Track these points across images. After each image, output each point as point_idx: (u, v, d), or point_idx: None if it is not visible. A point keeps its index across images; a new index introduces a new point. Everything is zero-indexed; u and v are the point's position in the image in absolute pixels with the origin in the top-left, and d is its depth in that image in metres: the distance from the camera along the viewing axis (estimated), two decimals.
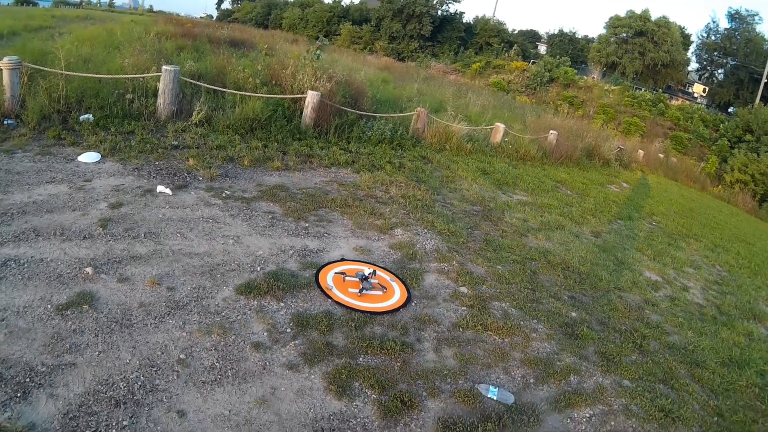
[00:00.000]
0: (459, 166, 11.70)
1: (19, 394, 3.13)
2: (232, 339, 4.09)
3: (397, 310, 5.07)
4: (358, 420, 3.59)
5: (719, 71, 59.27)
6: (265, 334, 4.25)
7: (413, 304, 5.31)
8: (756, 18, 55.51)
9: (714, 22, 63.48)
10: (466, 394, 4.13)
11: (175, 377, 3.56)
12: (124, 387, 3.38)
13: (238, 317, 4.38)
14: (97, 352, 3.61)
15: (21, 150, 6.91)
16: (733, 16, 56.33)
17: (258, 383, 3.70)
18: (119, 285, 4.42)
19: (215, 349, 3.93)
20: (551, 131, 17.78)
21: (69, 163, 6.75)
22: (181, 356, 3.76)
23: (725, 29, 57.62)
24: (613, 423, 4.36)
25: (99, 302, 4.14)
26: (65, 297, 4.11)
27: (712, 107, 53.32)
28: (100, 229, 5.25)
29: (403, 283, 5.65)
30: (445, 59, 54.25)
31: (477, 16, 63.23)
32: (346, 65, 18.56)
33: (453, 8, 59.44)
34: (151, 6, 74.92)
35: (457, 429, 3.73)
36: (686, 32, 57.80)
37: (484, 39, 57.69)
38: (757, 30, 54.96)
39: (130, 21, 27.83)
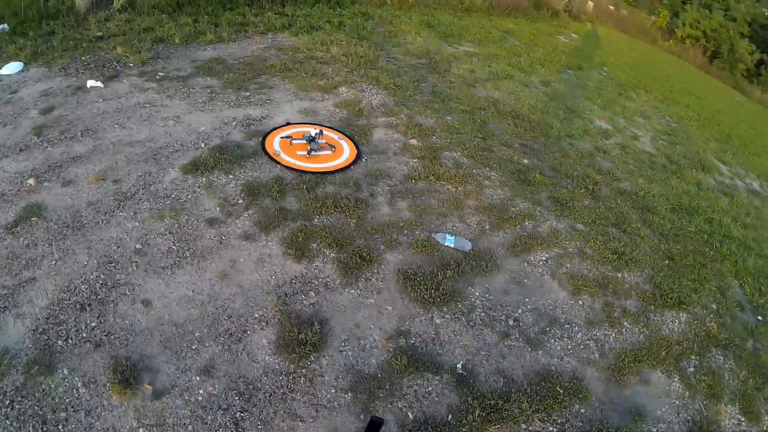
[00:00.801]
0: (402, 21, 11.25)
1: None
2: (185, 219, 4.09)
3: (347, 167, 5.09)
4: (320, 280, 3.70)
5: None
6: (218, 209, 4.25)
7: (363, 160, 5.32)
8: None
9: None
10: (424, 244, 4.26)
11: (135, 268, 3.59)
12: (87, 289, 3.40)
13: (188, 197, 4.36)
14: (54, 261, 3.60)
15: None
16: None
17: (217, 259, 3.75)
18: (64, 189, 4.33)
19: (170, 232, 3.94)
20: None
21: None
22: (138, 246, 3.78)
23: None
24: (568, 265, 4.56)
25: (47, 211, 4.07)
26: (12, 214, 4.02)
27: None
28: (35, 137, 5.05)
29: (352, 140, 5.61)
30: None
31: None
32: None
33: None
34: None
35: (417, 278, 3.88)
36: None
37: None
38: None
39: None
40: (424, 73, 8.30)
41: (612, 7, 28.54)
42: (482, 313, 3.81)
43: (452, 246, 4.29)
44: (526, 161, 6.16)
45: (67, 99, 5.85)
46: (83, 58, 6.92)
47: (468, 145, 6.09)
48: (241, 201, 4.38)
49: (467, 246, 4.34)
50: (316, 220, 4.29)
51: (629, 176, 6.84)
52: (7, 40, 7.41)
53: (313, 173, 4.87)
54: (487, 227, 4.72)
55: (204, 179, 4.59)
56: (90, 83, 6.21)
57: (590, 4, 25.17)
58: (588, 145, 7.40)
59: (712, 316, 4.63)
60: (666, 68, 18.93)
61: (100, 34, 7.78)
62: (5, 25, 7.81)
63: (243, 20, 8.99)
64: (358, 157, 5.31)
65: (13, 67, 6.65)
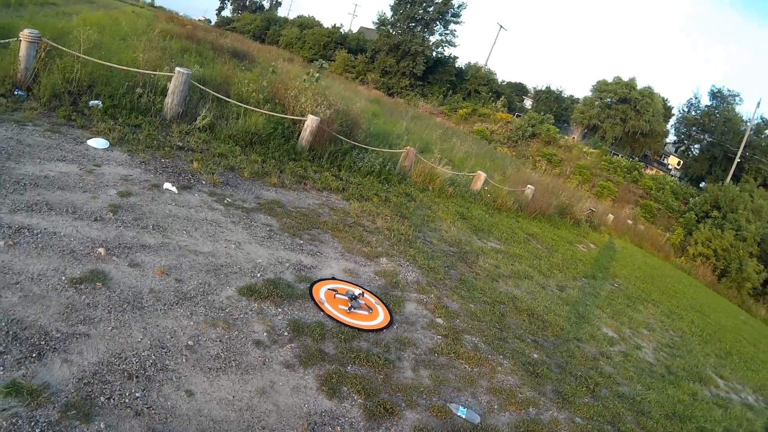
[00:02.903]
0: (440, 208, 12.21)
1: (34, 355, 3.38)
2: (235, 334, 4.44)
3: (380, 330, 5.51)
4: (346, 419, 3.98)
5: (696, 146, 60.71)
6: (265, 334, 4.62)
7: (395, 327, 5.75)
8: (737, 99, 56.95)
9: (696, 97, 65.47)
10: (439, 410, 4.58)
11: (184, 360, 3.88)
12: (137, 362, 3.67)
13: (241, 315, 4.74)
14: (110, 327, 3.89)
15: (31, 123, 7.16)
16: (715, 95, 58.17)
17: (258, 376, 4.05)
18: (130, 269, 4.73)
19: (220, 340, 4.27)
20: (528, 186, 18.44)
21: (79, 145, 7.02)
22: (189, 342, 4.10)
23: (706, 106, 59.32)
24: None
25: (111, 282, 4.43)
26: (78, 272, 4.38)
27: (684, 180, 54.62)
28: (111, 214, 5.54)
29: (387, 307, 6.08)
30: (434, 100, 55.24)
31: (469, 63, 64.45)
32: (339, 93, 18.97)
33: (447, 51, 60.56)
34: (152, 0, 75.18)
35: None
36: (669, 104, 59.61)
37: (473, 86, 58.85)
38: (736, 110, 56.68)
39: (132, 12, 27.99)
40: (454, 260, 8.94)
41: (630, 221, 30.00)
42: None
43: (464, 417, 4.60)
44: (535, 355, 6.58)
45: (143, 191, 6.42)
46: (163, 160, 7.62)
47: (486, 333, 6.56)
48: (286, 333, 4.75)
49: (477, 419, 4.65)
50: (349, 367, 4.64)
51: (628, 382, 7.20)
52: (99, 117, 8.27)
53: (350, 327, 5.28)
54: (495, 407, 5.06)
55: (256, 305, 5.01)
56: (166, 185, 6.82)
57: (610, 216, 26.55)
58: (594, 349, 7.83)
59: None
60: (675, 284, 19.64)
61: (180, 144, 8.57)
62: (99, 103, 8.66)
63: (304, 173, 9.88)
64: (391, 323, 5.76)
65: (100, 143, 7.35)
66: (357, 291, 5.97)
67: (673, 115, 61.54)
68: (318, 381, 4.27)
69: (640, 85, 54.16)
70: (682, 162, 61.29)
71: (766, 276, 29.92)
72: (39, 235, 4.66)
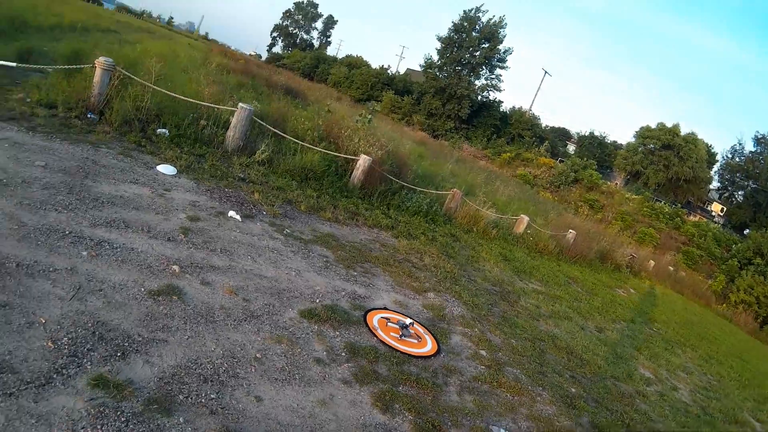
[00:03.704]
0: (483, 249, 12.51)
1: (118, 354, 3.75)
2: (298, 351, 4.80)
3: (429, 357, 5.82)
4: None
5: (739, 192, 60.18)
6: (324, 353, 4.98)
7: (442, 355, 6.06)
8: None
9: (740, 143, 64.57)
10: (482, 431, 4.86)
11: (253, 370, 4.25)
12: (211, 368, 4.04)
13: (302, 335, 5.12)
14: (186, 336, 4.28)
15: (105, 146, 7.72)
16: (759, 140, 57.95)
17: (319, 389, 4.40)
18: (202, 287, 5.15)
19: (285, 355, 4.64)
20: (570, 230, 18.67)
21: (149, 170, 7.56)
22: (257, 355, 4.47)
23: (750, 152, 58.97)
24: None
25: (186, 297, 4.84)
26: (156, 285, 4.81)
27: (728, 227, 53.66)
28: (182, 235, 6.01)
29: (434, 337, 6.40)
30: (477, 143, 55.54)
31: (513, 107, 64.69)
32: (386, 133, 19.54)
33: (492, 95, 60.97)
34: (207, 33, 77.90)
35: None
36: (712, 151, 59.05)
37: (517, 130, 58.95)
38: None
39: (188, 44, 29.29)
40: (497, 299, 9.21)
41: (671, 268, 29.64)
42: None
43: None
44: (573, 390, 6.79)
45: (210, 217, 6.88)
46: (226, 189, 8.10)
47: (527, 367, 6.81)
48: (343, 354, 5.11)
49: None
50: (400, 387, 4.96)
51: (663, 420, 7.33)
52: (166, 145, 8.82)
53: (401, 353, 5.61)
54: None
55: (316, 327, 5.39)
56: (231, 213, 7.29)
57: (651, 262, 26.35)
58: (630, 387, 7.95)
59: None
60: (715, 330, 19.43)
61: (242, 175, 9.05)
62: (166, 131, 9.22)
63: (355, 210, 10.35)
64: (438, 351, 6.07)
65: (168, 169, 7.85)
66: (407, 321, 6.31)
67: (717, 161, 61.15)
68: (372, 397, 4.58)
69: (684, 131, 54.24)
70: (725, 209, 60.43)
71: None
72: (118, 249, 5.11)
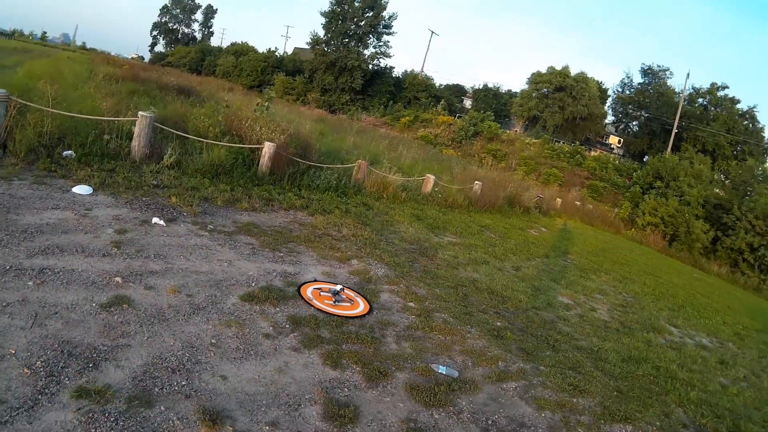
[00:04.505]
0: (396, 212, 13.30)
1: (90, 365, 4.11)
2: (247, 331, 5.34)
3: (363, 316, 6.51)
4: (351, 382, 4.95)
5: (634, 123, 63.24)
6: (271, 328, 5.54)
7: (375, 312, 6.75)
8: (667, 73, 59.40)
9: (628, 77, 67.66)
10: (423, 370, 5.60)
11: (212, 354, 4.75)
12: (175, 360, 4.50)
13: (248, 317, 5.64)
14: (145, 337, 4.70)
15: (17, 178, 7.80)
16: (646, 72, 60.66)
17: (274, 359, 4.96)
18: (147, 291, 5.55)
19: (236, 337, 5.16)
20: (476, 182, 19.68)
21: (66, 193, 7.71)
22: (212, 341, 4.97)
23: (639, 84, 61.67)
24: (533, 391, 5.87)
25: (135, 303, 5.23)
26: (105, 298, 5.16)
27: (627, 157, 56.49)
28: (115, 249, 6.33)
29: (365, 298, 7.09)
30: (376, 112, 56.05)
31: (406, 71, 65.72)
32: (284, 116, 19.76)
33: (383, 63, 61.51)
34: (84, 43, 74.52)
35: (420, 389, 5.14)
36: (603, 87, 61.50)
37: (412, 93, 59.84)
38: (668, 84, 59.18)
39: (67, 58, 28.16)
40: (416, 255, 9.98)
41: (578, 202, 31.39)
42: (468, 414, 4.99)
43: (444, 373, 5.61)
44: (499, 323, 7.66)
45: (136, 227, 7.20)
46: (144, 198, 8.37)
47: (453, 310, 7.61)
48: (287, 326, 5.68)
49: (455, 374, 5.67)
50: (344, 345, 5.60)
51: (586, 337, 8.28)
52: (76, 166, 8.88)
53: (338, 316, 6.25)
54: (469, 364, 6.10)
55: (258, 307, 5.92)
56: (155, 220, 7.60)
57: (558, 200, 27.83)
58: (551, 314, 8.91)
59: (656, 429, 5.78)
60: (626, 254, 20.92)
61: (155, 182, 9.29)
62: (72, 152, 9.24)
63: (269, 196, 10.80)
64: (371, 310, 6.75)
65: (84, 189, 8.00)
66: (338, 287, 6.94)
67: (609, 96, 63.82)
68: (321, 358, 5.21)
69: (574, 71, 56.14)
70: (622, 140, 63.43)
71: (714, 234, 31.90)
72: (60, 273, 5.38)
